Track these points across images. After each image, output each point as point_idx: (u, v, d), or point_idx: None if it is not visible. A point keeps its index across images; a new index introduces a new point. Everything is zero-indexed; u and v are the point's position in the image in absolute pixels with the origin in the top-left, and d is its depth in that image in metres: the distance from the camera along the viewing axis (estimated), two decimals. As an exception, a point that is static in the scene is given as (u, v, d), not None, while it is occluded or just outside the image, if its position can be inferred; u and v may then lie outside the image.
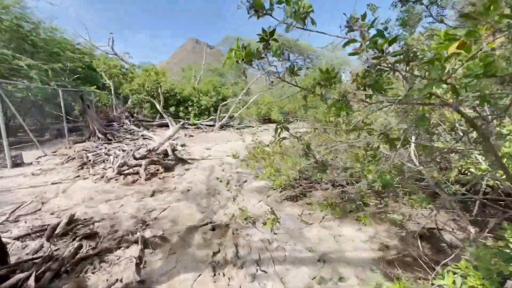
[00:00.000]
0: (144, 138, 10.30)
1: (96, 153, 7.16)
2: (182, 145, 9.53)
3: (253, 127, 15.99)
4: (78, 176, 5.49)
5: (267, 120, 20.42)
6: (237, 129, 15.26)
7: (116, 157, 6.62)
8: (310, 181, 4.39)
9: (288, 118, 20.86)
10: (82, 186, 4.86)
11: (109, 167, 5.91)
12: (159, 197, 4.31)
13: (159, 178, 5.35)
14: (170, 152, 6.71)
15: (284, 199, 4.08)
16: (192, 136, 12.46)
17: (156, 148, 6.63)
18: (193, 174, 5.64)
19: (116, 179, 5.17)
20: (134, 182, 5.07)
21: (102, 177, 5.23)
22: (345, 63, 21.59)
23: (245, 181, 5.14)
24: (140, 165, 5.54)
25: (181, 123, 6.51)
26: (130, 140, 9.80)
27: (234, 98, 16.24)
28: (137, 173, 5.46)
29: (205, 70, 27.75)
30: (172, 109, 14.80)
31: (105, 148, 7.80)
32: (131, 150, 6.97)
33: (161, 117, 15.36)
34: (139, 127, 12.95)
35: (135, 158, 6.30)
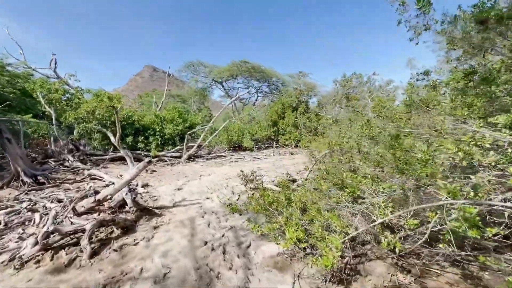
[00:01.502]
0: (93, 179, 8.03)
1: (12, 210, 4.88)
2: (144, 186, 7.56)
3: (225, 156, 14.46)
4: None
5: (237, 147, 19.12)
6: (206, 159, 13.58)
7: (46, 215, 4.52)
8: (357, 242, 3.06)
9: (260, 145, 19.89)
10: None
11: (31, 235, 3.82)
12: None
13: (114, 250, 3.48)
14: (129, 202, 4.85)
15: (327, 281, 2.63)
16: (155, 171, 10.41)
17: (109, 197, 4.73)
18: (167, 237, 3.88)
19: (38, 261, 3.18)
20: (70, 263, 3.13)
21: (13, 259, 3.18)
22: (312, 88, 21.96)
23: (249, 246, 3.58)
24: (84, 231, 3.62)
25: (148, 160, 4.68)
26: (72, 183, 7.46)
27: (203, 126, 14.70)
28: (77, 243, 3.53)
29: (166, 97, 25.93)
30: (129, 139, 12.59)
31: (30, 199, 5.51)
32: (71, 200, 4.91)
33: (115, 149, 12.98)
34: (86, 163, 10.46)
35: (77, 214, 4.32)
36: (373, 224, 2.42)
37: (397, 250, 2.34)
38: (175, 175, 9.50)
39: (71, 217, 4.10)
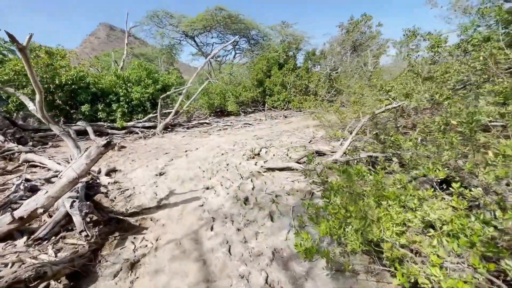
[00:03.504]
0: (32, 166, 5.65)
1: None
2: (111, 172, 5.41)
3: (209, 123, 12.27)
4: None
5: (220, 112, 16.81)
6: (187, 128, 11.33)
7: None
8: None
9: (245, 109, 17.70)
10: None
11: None
12: None
13: None
14: (78, 222, 2.76)
15: None
16: (125, 147, 8.11)
17: (41, 211, 2.63)
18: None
19: None
20: None
21: None
22: (301, 40, 19.34)
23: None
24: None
25: (103, 141, 2.47)
26: (0, 174, 5.08)
27: (177, 88, 12.03)
28: None
29: (128, 56, 21.91)
30: (85, 108, 9.77)
31: None
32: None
33: (70, 120, 10.15)
34: (26, 143, 7.80)
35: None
36: None
37: None
38: (152, 151, 7.33)
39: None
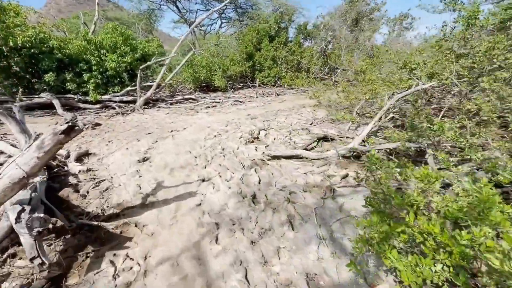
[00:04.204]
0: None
1: None
2: (83, 157, 4.51)
3: (195, 99, 11.22)
4: None
5: (205, 87, 15.59)
6: (171, 104, 10.24)
7: None
8: None
9: (233, 85, 16.54)
10: None
11: None
12: None
13: None
14: (27, 246, 1.96)
15: None
16: (100, 124, 7.06)
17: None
18: None
19: None
20: None
21: None
22: (293, 12, 17.86)
23: None
24: None
25: (65, 125, 1.62)
26: None
27: (157, 59, 10.66)
28: None
29: (101, 20, 19.47)
30: (49, 77, 8.34)
31: None
32: None
33: (33, 89, 8.70)
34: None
35: None
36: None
37: None
38: (132, 130, 6.39)
39: None
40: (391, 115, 4.54)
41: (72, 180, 3.57)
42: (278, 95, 12.42)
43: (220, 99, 10.86)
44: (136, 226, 2.53)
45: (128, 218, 2.66)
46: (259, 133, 5.65)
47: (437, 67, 3.92)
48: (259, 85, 15.63)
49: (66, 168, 3.91)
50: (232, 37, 19.49)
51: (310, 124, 6.32)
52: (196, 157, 4.40)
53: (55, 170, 3.70)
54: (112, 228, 2.46)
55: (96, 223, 2.45)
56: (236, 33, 19.99)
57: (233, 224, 2.47)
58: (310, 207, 2.72)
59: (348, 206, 2.70)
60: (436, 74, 3.94)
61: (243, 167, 3.89)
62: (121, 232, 2.43)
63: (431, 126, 2.66)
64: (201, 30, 27.34)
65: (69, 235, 2.35)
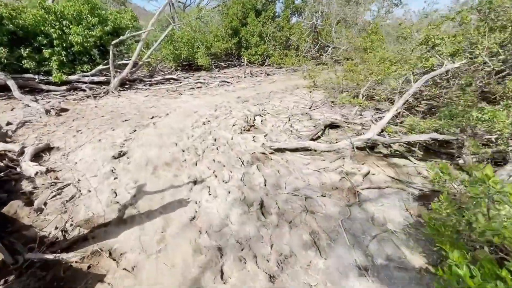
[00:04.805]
0: None
1: None
2: (43, 153, 3.66)
3: (177, 79, 10.19)
4: None
5: (187, 66, 14.37)
6: (150, 85, 9.17)
7: None
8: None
9: (218, 63, 15.37)
10: None
11: None
12: None
13: None
14: None
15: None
16: (67, 110, 6.06)
17: None
18: None
19: None
20: None
21: None
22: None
23: None
24: None
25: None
26: None
27: (131, 32, 9.33)
28: None
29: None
30: (0, 52, 7.00)
31: None
32: None
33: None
34: None
35: None
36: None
37: None
38: (106, 117, 5.50)
39: None
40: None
41: (25, 186, 2.80)
42: (268, 75, 11.59)
43: (205, 79, 9.90)
44: (110, 255, 1.89)
45: (100, 243, 2.00)
46: (255, 119, 4.99)
47: (463, 44, 3.39)
48: (247, 64, 14.61)
49: (18, 169, 3.10)
50: (215, 10, 17.96)
51: (309, 108, 5.72)
52: (183, 151, 3.71)
53: (1, 174, 2.89)
54: (76, 261, 1.81)
55: (52, 256, 1.78)
56: (219, 5, 18.36)
57: (242, 249, 1.90)
58: (334, 218, 2.20)
59: (380, 216, 2.20)
60: (462, 51, 3.41)
61: (242, 163, 3.26)
62: (89, 267, 1.79)
63: (481, 114, 2.15)
64: (180, 3, 25.06)
65: (12, 276, 1.68)
